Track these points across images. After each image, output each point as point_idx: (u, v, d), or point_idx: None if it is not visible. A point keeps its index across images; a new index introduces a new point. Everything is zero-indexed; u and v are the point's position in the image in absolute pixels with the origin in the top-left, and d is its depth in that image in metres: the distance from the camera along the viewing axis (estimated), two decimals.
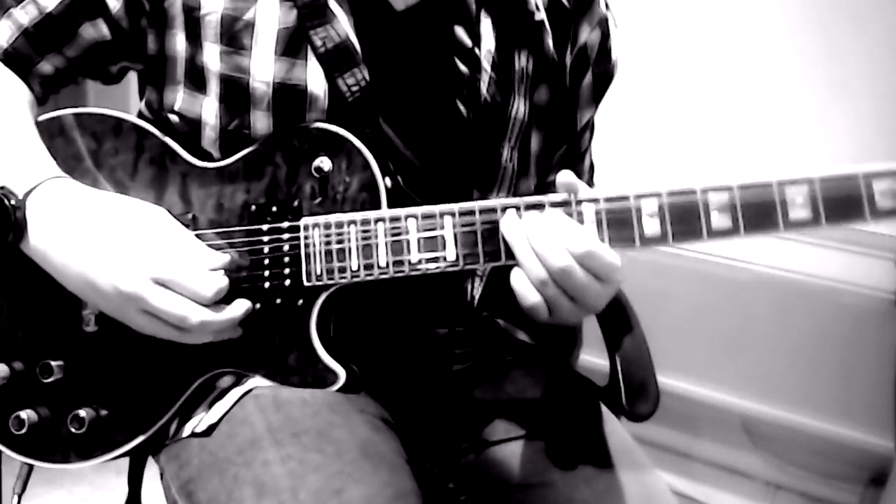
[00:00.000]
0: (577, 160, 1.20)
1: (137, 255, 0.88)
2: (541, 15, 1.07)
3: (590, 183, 1.25)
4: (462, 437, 1.10)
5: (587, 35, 1.11)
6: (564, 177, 0.91)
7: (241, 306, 0.92)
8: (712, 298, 2.07)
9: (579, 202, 0.90)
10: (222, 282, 0.90)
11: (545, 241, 0.87)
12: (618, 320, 1.26)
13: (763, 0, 2.00)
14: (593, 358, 1.34)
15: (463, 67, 1.04)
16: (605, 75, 1.15)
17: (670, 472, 2.20)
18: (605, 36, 1.12)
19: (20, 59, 1.01)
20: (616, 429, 1.14)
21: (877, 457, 2.03)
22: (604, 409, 1.18)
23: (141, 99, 1.09)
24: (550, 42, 1.08)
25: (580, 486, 1.02)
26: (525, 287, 0.88)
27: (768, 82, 2.01)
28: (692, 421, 2.24)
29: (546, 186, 1.16)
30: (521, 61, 1.06)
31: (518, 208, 0.91)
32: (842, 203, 0.88)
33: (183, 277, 0.88)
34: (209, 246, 0.95)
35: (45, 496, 2.07)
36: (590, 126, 1.19)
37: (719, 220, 0.89)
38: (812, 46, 1.96)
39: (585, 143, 1.20)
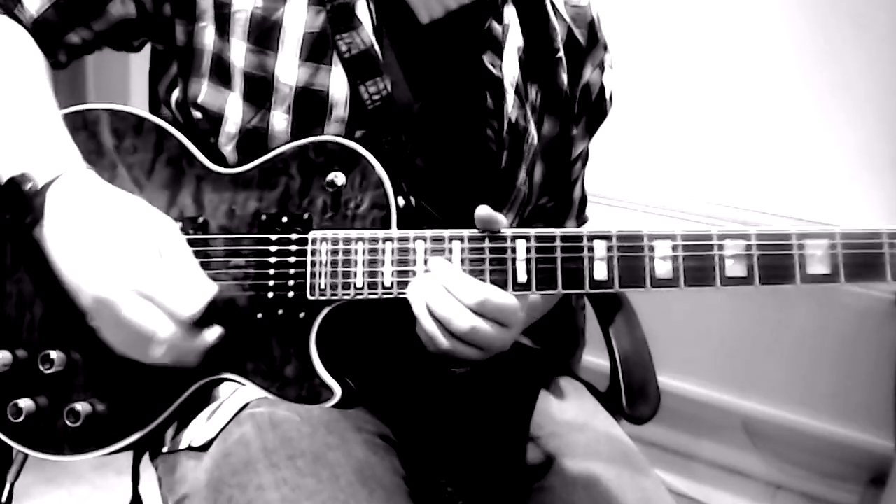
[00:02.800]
0: (568, 188, 1.21)
1: (126, 265, 0.87)
2: (560, 52, 1.09)
3: (581, 214, 1.27)
4: (460, 442, 1.10)
5: (589, 74, 1.14)
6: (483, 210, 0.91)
7: (212, 334, 0.90)
8: (712, 299, 2.07)
9: (591, 238, 0.90)
10: (200, 304, 0.88)
11: (444, 306, 0.88)
12: (619, 321, 1.27)
13: (763, 0, 1.99)
14: (594, 358, 1.34)
15: (488, 89, 1.05)
16: (601, 112, 1.19)
17: (670, 472, 2.20)
18: (603, 75, 1.16)
19: (49, 28, 1.02)
20: (615, 431, 1.14)
21: (877, 457, 2.03)
22: (603, 410, 1.18)
23: (151, 90, 1.10)
24: (565, 77, 1.10)
25: (578, 490, 1.02)
26: (429, 340, 0.91)
27: (769, 82, 2.01)
28: (693, 421, 2.24)
29: (537, 211, 1.18)
30: (532, 94, 1.08)
31: (528, 238, 0.91)
32: (862, 261, 0.87)
33: (164, 294, 0.86)
34: (216, 251, 0.95)
35: (45, 496, 2.07)
36: (582, 156, 1.21)
37: (733, 269, 0.88)
38: (812, 46, 1.96)
39: (576, 173, 1.21)
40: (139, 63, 1.14)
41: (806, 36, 1.97)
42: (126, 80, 2.42)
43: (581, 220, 1.27)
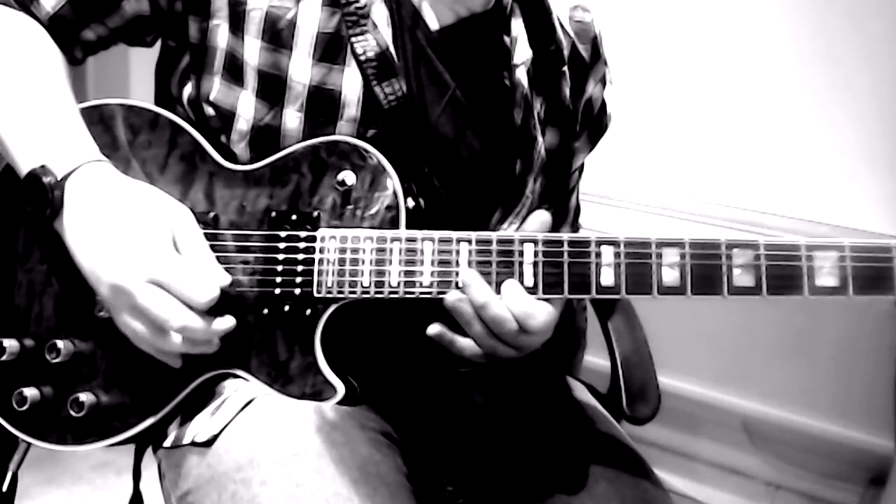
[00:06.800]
0: (565, 197, 1.23)
1: (141, 253, 0.88)
2: (566, 66, 1.11)
3: (574, 224, 1.28)
4: (462, 442, 1.10)
5: (592, 89, 1.17)
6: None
7: (225, 322, 0.91)
8: (713, 299, 2.07)
9: (599, 244, 0.90)
10: (214, 292, 0.89)
11: (498, 309, 0.89)
12: (619, 322, 1.27)
13: (762, 0, 1.99)
14: (594, 358, 1.34)
15: (499, 98, 1.06)
16: (601, 126, 1.21)
17: (670, 472, 2.20)
18: (604, 91, 1.19)
19: (65, 24, 1.03)
20: (616, 431, 1.14)
21: (877, 457, 2.03)
22: (604, 411, 1.18)
23: (161, 86, 1.11)
24: (568, 91, 1.12)
25: (579, 491, 1.02)
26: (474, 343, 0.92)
27: (769, 83, 2.01)
28: (692, 421, 2.24)
29: None
30: (537, 106, 1.09)
31: (536, 242, 0.91)
32: (871, 274, 0.87)
33: (178, 282, 0.87)
34: (225, 247, 0.96)
35: (45, 496, 2.07)
36: (580, 167, 1.23)
37: (740, 278, 0.88)
38: (812, 46, 1.96)
39: (573, 182, 1.23)
40: (139, 62, 1.15)
41: (806, 36, 1.97)
42: (126, 79, 2.42)
43: (574, 227, 1.28)
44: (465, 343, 0.93)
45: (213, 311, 0.90)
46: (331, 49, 0.99)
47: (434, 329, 0.92)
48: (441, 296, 0.91)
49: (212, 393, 1.01)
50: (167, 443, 1.01)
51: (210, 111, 1.03)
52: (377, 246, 0.93)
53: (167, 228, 0.90)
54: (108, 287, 0.89)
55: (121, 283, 0.87)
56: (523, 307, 0.89)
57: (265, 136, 1.00)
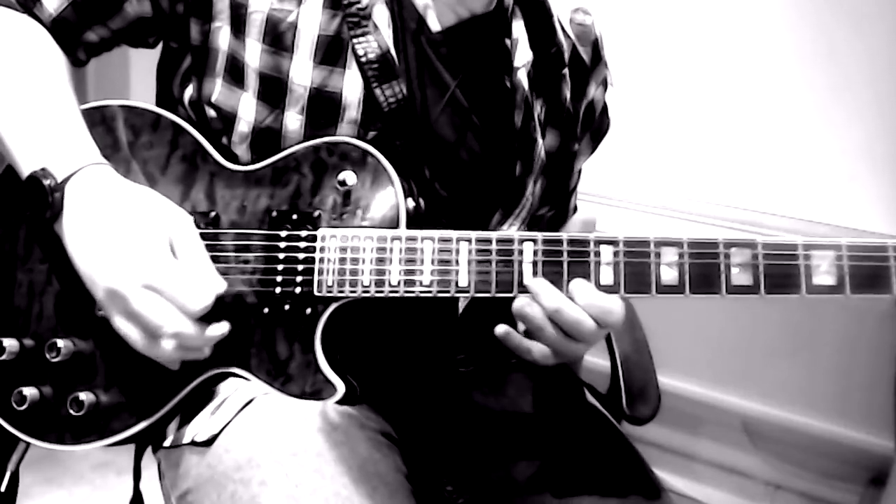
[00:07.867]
0: (565, 199, 1.24)
1: (137, 258, 0.88)
2: (566, 68, 1.11)
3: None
4: (462, 443, 1.10)
5: (593, 92, 1.18)
6: None
7: (218, 329, 0.91)
8: (713, 299, 2.07)
9: (598, 243, 0.90)
10: (208, 299, 0.89)
11: (574, 311, 0.88)
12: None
13: (763, 0, 2.00)
14: (594, 358, 1.34)
15: (500, 100, 1.07)
16: (602, 129, 1.23)
17: (670, 472, 2.20)
18: (605, 93, 1.20)
19: (68, 26, 1.03)
20: (615, 432, 1.14)
21: (877, 457, 2.03)
22: (603, 411, 1.18)
23: (163, 87, 1.12)
24: (568, 93, 1.12)
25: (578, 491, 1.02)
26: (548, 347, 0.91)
27: (769, 83, 2.01)
28: (692, 421, 2.24)
29: (535, 220, 1.19)
30: (537, 108, 1.09)
31: (535, 241, 0.91)
32: (868, 273, 0.87)
33: (172, 287, 0.87)
34: (226, 246, 0.96)
35: (45, 496, 2.07)
36: (580, 169, 1.24)
37: (739, 277, 0.88)
38: (812, 46, 1.97)
39: (573, 183, 1.24)
40: (140, 63, 1.15)
41: (806, 36, 1.97)
42: (126, 80, 2.42)
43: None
44: (532, 344, 0.92)
45: (209, 315, 0.89)
46: (331, 52, 1.00)
47: (501, 329, 0.91)
48: (441, 294, 0.92)
49: (211, 392, 1.02)
50: (167, 442, 1.02)
51: (211, 113, 1.03)
52: (377, 245, 0.93)
53: (165, 233, 0.90)
54: (104, 291, 0.89)
55: (116, 287, 0.87)
56: (599, 304, 0.89)
57: (266, 139, 1.00)
